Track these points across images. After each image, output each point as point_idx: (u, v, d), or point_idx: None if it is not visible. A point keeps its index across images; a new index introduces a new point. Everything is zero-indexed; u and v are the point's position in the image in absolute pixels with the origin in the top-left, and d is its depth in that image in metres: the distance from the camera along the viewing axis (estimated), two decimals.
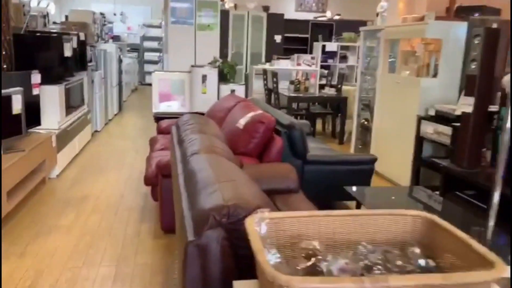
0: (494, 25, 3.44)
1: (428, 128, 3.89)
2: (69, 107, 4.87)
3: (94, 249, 2.95)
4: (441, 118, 3.80)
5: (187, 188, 1.63)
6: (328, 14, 11.07)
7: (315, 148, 3.91)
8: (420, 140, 4.05)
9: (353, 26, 10.08)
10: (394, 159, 4.34)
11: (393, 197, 3.13)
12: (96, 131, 6.46)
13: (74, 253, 2.88)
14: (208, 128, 2.65)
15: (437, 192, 3.30)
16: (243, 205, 1.27)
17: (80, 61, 5.59)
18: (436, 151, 4.05)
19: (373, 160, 3.60)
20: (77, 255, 2.85)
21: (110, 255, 2.87)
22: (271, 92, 7.22)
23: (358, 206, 3.69)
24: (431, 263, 1.11)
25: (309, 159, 3.46)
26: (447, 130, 3.63)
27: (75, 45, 5.22)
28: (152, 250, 2.95)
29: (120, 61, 8.23)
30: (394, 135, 4.52)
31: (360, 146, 5.45)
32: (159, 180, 3.16)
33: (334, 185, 3.55)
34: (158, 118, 5.53)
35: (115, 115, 7.89)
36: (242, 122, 3.50)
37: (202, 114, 5.08)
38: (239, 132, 3.45)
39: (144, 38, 12.75)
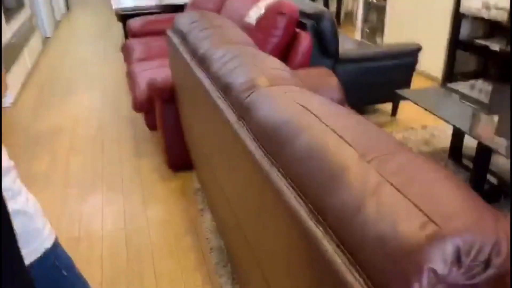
0: None
1: (475, 2, 3.14)
2: (6, 11, 3.77)
3: (88, 206, 2.26)
4: None
5: (285, 169, 0.91)
6: None
7: None
8: (459, 18, 3.33)
9: None
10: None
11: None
12: (46, 38, 5.32)
13: (63, 216, 2.19)
14: (231, 34, 1.84)
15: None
16: (479, 237, 0.59)
17: None
18: (474, 31, 3.37)
19: (417, 50, 2.90)
20: (69, 220, 2.17)
21: (112, 213, 2.20)
22: None
23: (395, 111, 3.09)
24: None
25: (341, 58, 2.72)
26: (506, 2, 2.90)
27: None
28: (166, 199, 2.29)
29: None
30: (418, 14, 3.75)
31: (367, 30, 4.68)
32: (157, 106, 2.39)
33: (368, 86, 2.89)
34: (123, 16, 4.48)
35: (64, 15, 6.60)
36: (253, 16, 2.65)
37: (179, 7, 4.10)
38: (250, 31, 2.62)
39: None
